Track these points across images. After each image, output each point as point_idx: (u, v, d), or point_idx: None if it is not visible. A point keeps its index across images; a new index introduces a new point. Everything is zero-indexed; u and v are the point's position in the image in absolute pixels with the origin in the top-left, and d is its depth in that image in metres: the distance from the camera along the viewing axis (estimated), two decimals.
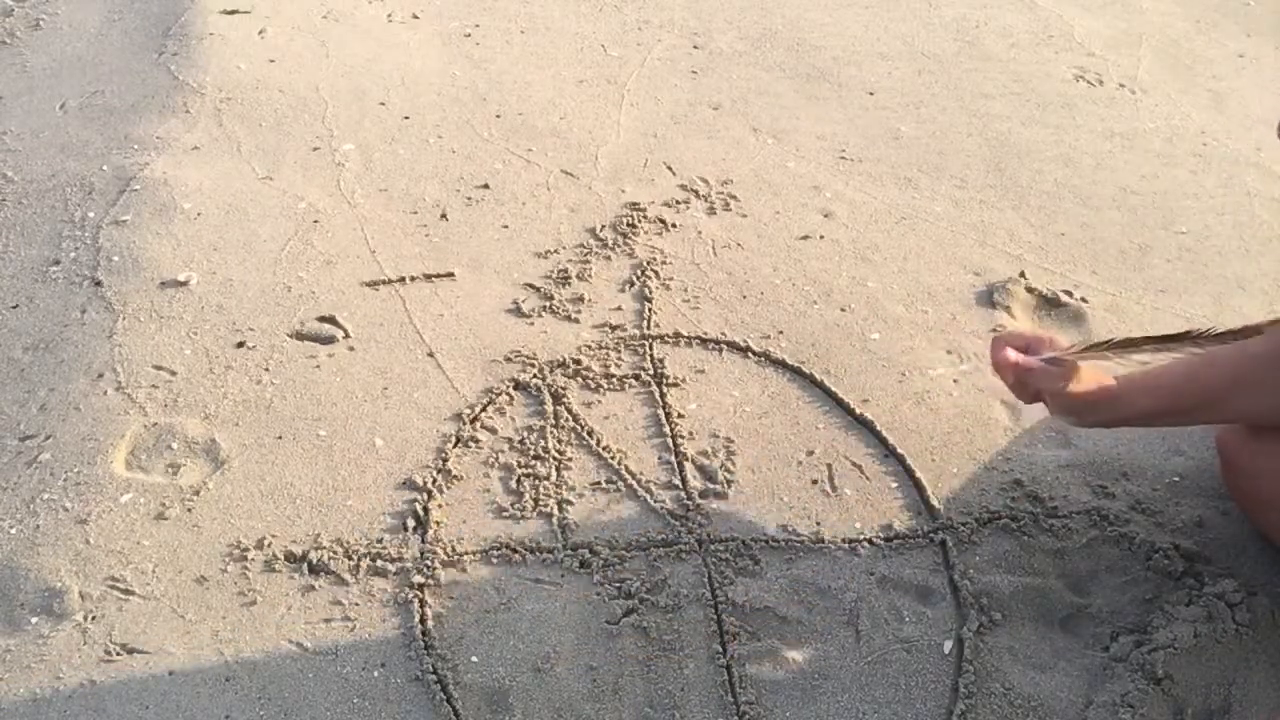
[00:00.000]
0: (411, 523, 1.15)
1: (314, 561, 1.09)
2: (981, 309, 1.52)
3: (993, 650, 1.03)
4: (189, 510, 1.15)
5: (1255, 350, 1.01)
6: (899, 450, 1.26)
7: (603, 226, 1.66)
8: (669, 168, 1.84)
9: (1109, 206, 1.78)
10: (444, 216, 1.68)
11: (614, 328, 1.45)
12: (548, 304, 1.48)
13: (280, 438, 1.25)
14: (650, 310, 1.48)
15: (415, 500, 1.17)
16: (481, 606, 1.06)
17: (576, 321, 1.46)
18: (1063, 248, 1.67)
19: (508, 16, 2.37)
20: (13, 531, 1.12)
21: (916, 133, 1.98)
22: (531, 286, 1.53)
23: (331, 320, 1.44)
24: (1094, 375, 1.09)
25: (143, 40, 2.20)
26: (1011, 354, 1.09)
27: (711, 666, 1.01)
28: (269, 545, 1.11)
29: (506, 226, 1.66)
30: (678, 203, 1.73)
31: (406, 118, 1.95)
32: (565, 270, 1.55)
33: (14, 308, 1.45)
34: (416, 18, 2.34)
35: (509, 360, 1.38)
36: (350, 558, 1.10)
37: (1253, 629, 1.03)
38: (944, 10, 2.50)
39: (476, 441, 1.26)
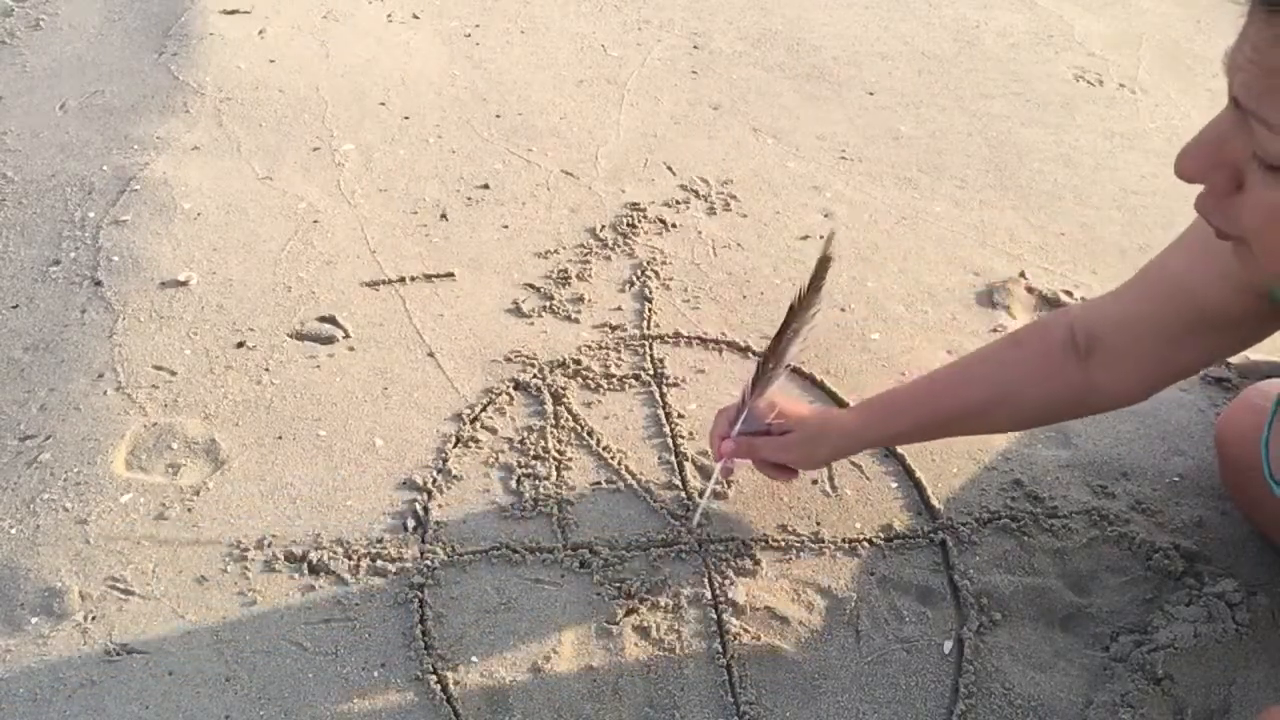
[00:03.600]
0: (411, 523, 1.15)
1: (314, 561, 1.09)
2: (981, 309, 1.52)
3: (993, 650, 1.03)
4: (189, 510, 1.15)
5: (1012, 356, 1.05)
6: (899, 450, 1.26)
7: (603, 226, 1.66)
8: (669, 168, 1.84)
9: (1109, 206, 1.78)
10: (444, 216, 1.68)
11: (614, 328, 1.45)
12: (548, 304, 1.49)
13: (280, 438, 1.25)
14: (650, 310, 1.48)
15: (415, 500, 1.17)
16: (481, 606, 1.06)
17: (576, 321, 1.46)
18: (1063, 248, 1.67)
19: (508, 16, 2.37)
20: (13, 531, 1.12)
21: (916, 133, 1.98)
22: (531, 286, 1.53)
23: (331, 320, 1.44)
24: (814, 415, 1.10)
25: (143, 40, 2.20)
26: (726, 445, 1.09)
27: (711, 666, 1.01)
28: (269, 545, 1.11)
29: (506, 226, 1.66)
30: (678, 203, 1.73)
31: (406, 118, 1.95)
32: (565, 270, 1.55)
33: (14, 308, 1.45)
34: (416, 18, 2.35)
35: (509, 360, 1.38)
36: (350, 558, 1.10)
37: (1253, 629, 1.03)
38: (944, 10, 2.50)
39: (476, 441, 1.26)
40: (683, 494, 1.20)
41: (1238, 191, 0.68)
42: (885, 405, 1.10)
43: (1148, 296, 0.98)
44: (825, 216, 1.72)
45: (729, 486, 1.20)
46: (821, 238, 0.99)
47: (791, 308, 1.03)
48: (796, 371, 1.38)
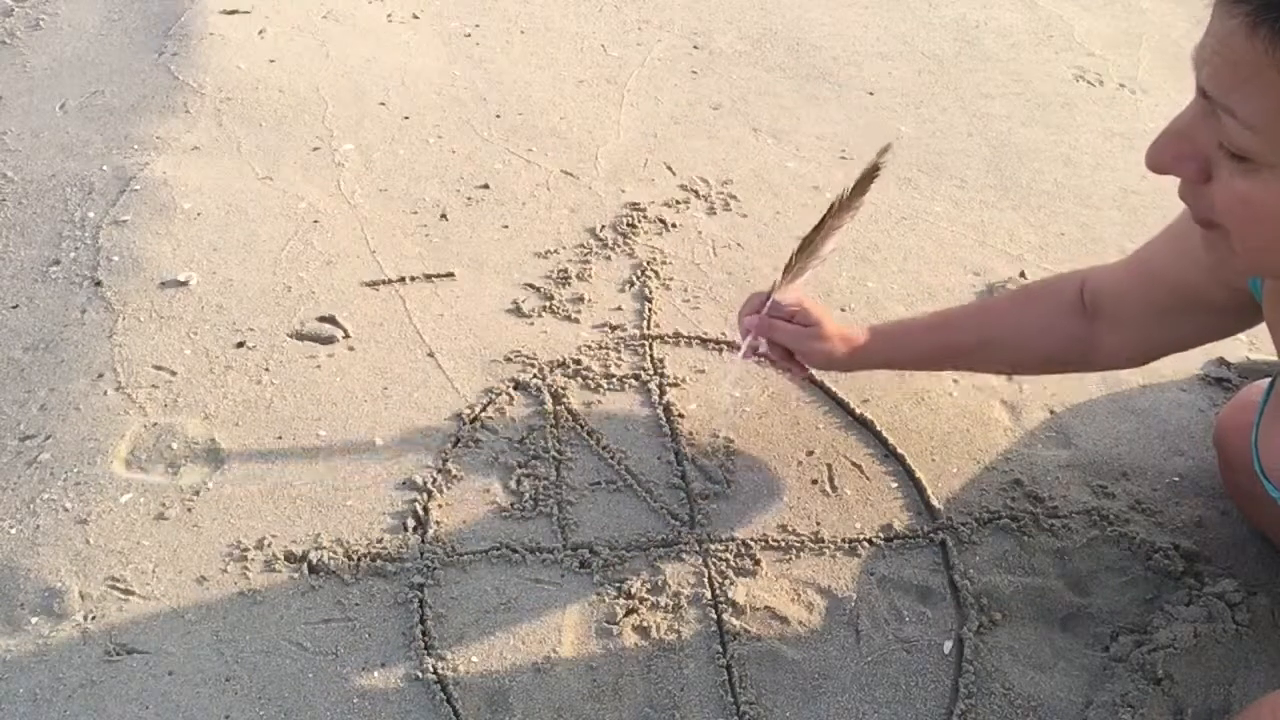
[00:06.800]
0: (411, 523, 1.15)
1: (314, 561, 1.09)
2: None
3: (993, 650, 1.03)
4: (189, 510, 1.15)
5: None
6: (899, 450, 1.26)
7: (603, 226, 1.66)
8: (669, 168, 1.84)
9: (1109, 206, 1.78)
10: (444, 216, 1.68)
11: (614, 328, 1.45)
12: (548, 304, 1.48)
13: (280, 438, 1.25)
14: (650, 310, 1.48)
15: (415, 500, 1.17)
16: (481, 606, 1.06)
17: (576, 321, 1.46)
18: (1063, 248, 1.67)
19: (508, 16, 2.37)
20: (13, 531, 1.12)
21: (916, 133, 1.98)
22: (531, 286, 1.53)
23: (331, 320, 1.44)
24: (834, 322, 1.17)
25: (143, 40, 2.20)
26: (749, 319, 1.17)
27: (711, 666, 1.01)
28: (269, 545, 1.11)
29: (506, 226, 1.66)
30: (678, 203, 1.73)
31: (406, 118, 1.95)
32: (565, 270, 1.55)
33: (14, 308, 1.45)
34: (416, 18, 2.34)
35: (509, 360, 1.38)
36: (350, 558, 1.10)
37: (1253, 629, 1.03)
38: (944, 10, 2.50)
39: (476, 441, 1.26)
40: (683, 494, 1.20)
41: (1207, 182, 0.70)
42: (900, 329, 1.19)
43: (1140, 277, 1.04)
44: None
45: (725, 475, 1.20)
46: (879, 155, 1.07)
47: (832, 206, 1.11)
48: None
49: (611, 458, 1.24)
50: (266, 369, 1.35)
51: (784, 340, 1.17)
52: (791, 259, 1.15)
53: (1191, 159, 0.70)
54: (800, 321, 1.16)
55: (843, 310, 1.50)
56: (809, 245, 1.13)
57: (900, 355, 1.20)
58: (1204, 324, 1.02)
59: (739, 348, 1.18)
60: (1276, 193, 0.65)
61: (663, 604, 1.07)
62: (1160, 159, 0.72)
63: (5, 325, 1.42)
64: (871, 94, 2.12)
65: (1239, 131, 0.65)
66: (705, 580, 1.09)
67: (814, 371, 1.37)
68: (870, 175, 1.10)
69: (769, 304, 1.16)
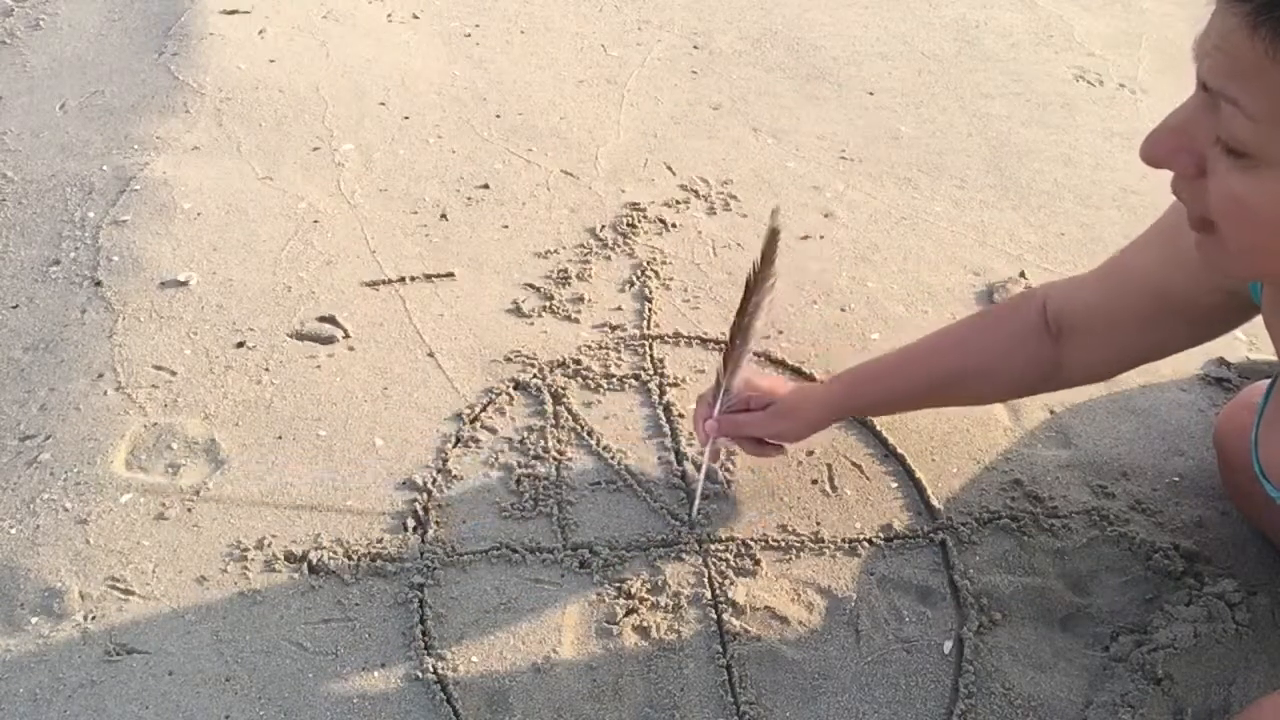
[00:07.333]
0: (411, 523, 1.15)
1: (314, 561, 1.09)
2: (982, 309, 1.52)
3: (993, 650, 1.03)
4: (189, 510, 1.15)
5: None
6: (899, 450, 1.26)
7: (603, 226, 1.66)
8: (669, 168, 1.84)
9: (1109, 206, 1.78)
10: (444, 216, 1.68)
11: (614, 328, 1.45)
12: (548, 304, 1.48)
13: (280, 438, 1.25)
14: (650, 310, 1.48)
15: (415, 500, 1.17)
16: (481, 606, 1.06)
17: (576, 321, 1.46)
18: (1063, 248, 1.67)
19: (508, 16, 2.37)
20: (13, 531, 1.12)
21: (916, 133, 1.98)
22: (531, 286, 1.53)
23: (331, 320, 1.44)
24: (791, 389, 1.14)
25: (143, 40, 2.20)
26: (710, 425, 1.12)
27: (711, 666, 1.01)
28: (269, 545, 1.11)
29: (506, 226, 1.66)
30: (678, 203, 1.73)
31: (406, 118, 1.95)
32: (565, 270, 1.55)
33: (14, 308, 1.45)
34: (416, 18, 2.34)
35: (509, 360, 1.38)
36: (350, 558, 1.10)
37: (1253, 629, 1.03)
38: (944, 10, 2.50)
39: (476, 441, 1.26)
40: (683, 494, 1.20)
41: (1200, 177, 0.70)
42: (860, 376, 1.14)
43: (1116, 286, 1.01)
44: (825, 217, 1.72)
45: (725, 475, 1.20)
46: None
47: (748, 283, 1.07)
48: (797, 372, 1.38)
49: (611, 458, 1.24)
50: (266, 369, 1.35)
51: (750, 432, 1.13)
52: (726, 349, 1.10)
53: (1187, 153, 0.70)
54: (756, 406, 1.12)
55: (843, 310, 1.50)
56: (740, 329, 1.08)
57: (870, 405, 1.18)
58: (1183, 331, 0.99)
59: (703, 454, 1.15)
60: (1272, 191, 0.65)
61: (663, 604, 1.07)
62: (1156, 152, 0.72)
63: (5, 325, 1.42)
64: (871, 94, 2.12)
65: (1239, 124, 0.64)
66: (705, 580, 1.09)
67: (814, 372, 1.38)
68: (772, 242, 1.04)
69: (720, 401, 1.11)
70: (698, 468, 1.22)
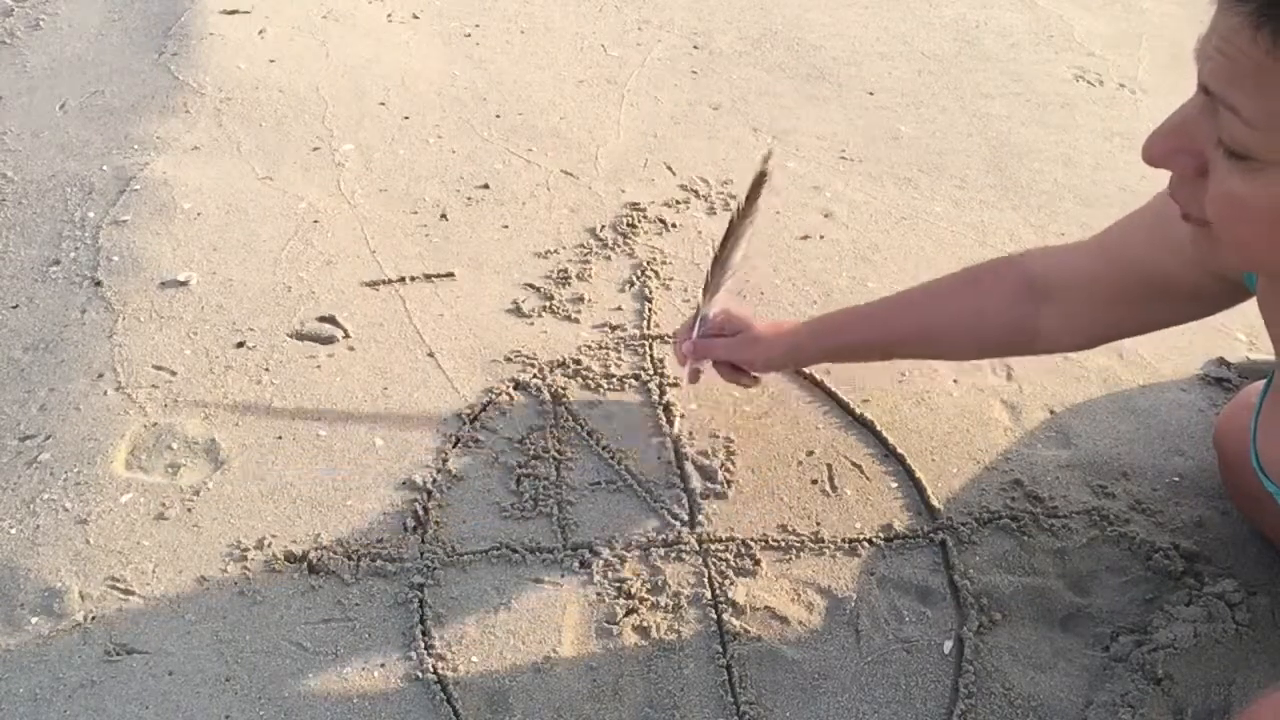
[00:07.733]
0: (411, 523, 1.15)
1: (314, 561, 1.09)
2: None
3: (993, 650, 1.03)
4: (189, 510, 1.15)
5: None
6: (899, 450, 1.26)
7: (603, 226, 1.66)
8: (669, 168, 1.84)
9: (1109, 206, 1.78)
10: (444, 216, 1.68)
11: (614, 328, 1.45)
12: (548, 304, 1.48)
13: (280, 438, 1.25)
14: (650, 310, 1.48)
15: (415, 500, 1.17)
16: (481, 606, 1.06)
17: (576, 321, 1.46)
18: None
19: (508, 16, 2.37)
20: (13, 531, 1.12)
21: (916, 133, 1.98)
22: (531, 286, 1.53)
23: (331, 320, 1.44)
24: (766, 322, 1.18)
25: (143, 40, 2.20)
26: (685, 346, 1.18)
27: (711, 666, 1.01)
28: (269, 545, 1.11)
29: (506, 226, 1.66)
30: (678, 203, 1.73)
31: (406, 118, 1.95)
32: (565, 270, 1.55)
33: (14, 308, 1.45)
34: (416, 18, 2.34)
35: (509, 360, 1.38)
36: (350, 558, 1.10)
37: (1253, 629, 1.03)
38: (944, 10, 2.50)
39: (476, 441, 1.26)
40: (683, 494, 1.20)
41: (1200, 178, 0.70)
42: (837, 319, 1.17)
43: (1103, 261, 1.02)
44: (825, 217, 1.72)
45: (725, 475, 1.20)
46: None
47: (731, 220, 1.14)
48: (797, 372, 1.38)
49: (611, 458, 1.24)
50: (266, 369, 1.35)
51: (720, 355, 1.19)
52: (707, 278, 1.17)
53: (1188, 154, 0.70)
54: (730, 331, 1.17)
55: None
56: (720, 261, 1.16)
57: (839, 348, 1.18)
58: (1167, 310, 1.00)
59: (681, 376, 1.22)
60: (1271, 193, 0.65)
61: (663, 604, 1.07)
62: (1156, 153, 0.72)
63: (5, 325, 1.42)
64: (871, 94, 2.12)
65: (1239, 129, 0.65)
66: (705, 580, 1.09)
67: (814, 372, 1.38)
68: (760, 181, 1.12)
69: (697, 325, 1.18)
70: (702, 475, 1.22)
